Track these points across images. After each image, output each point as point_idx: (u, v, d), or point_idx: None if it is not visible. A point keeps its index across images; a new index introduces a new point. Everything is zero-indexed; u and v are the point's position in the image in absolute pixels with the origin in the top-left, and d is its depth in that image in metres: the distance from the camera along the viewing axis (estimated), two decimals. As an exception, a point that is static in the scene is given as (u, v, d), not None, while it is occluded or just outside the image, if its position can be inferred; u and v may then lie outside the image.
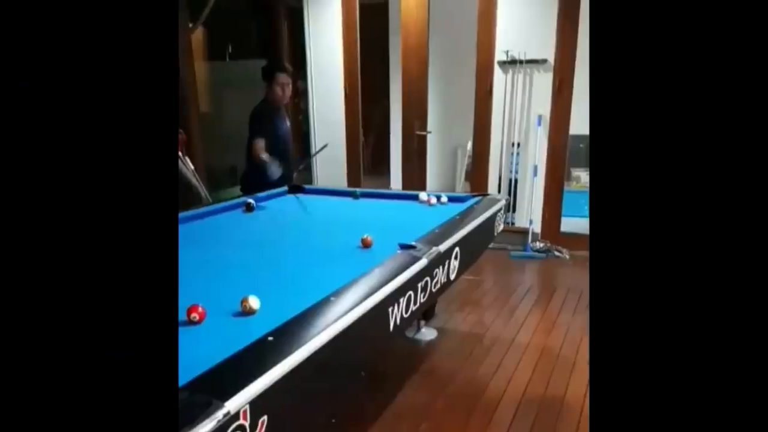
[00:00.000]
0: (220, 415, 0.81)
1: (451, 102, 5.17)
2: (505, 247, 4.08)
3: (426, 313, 2.66)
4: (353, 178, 4.67)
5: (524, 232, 4.12)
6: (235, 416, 0.85)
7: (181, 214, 2.24)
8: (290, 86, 3.12)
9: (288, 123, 3.23)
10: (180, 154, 3.59)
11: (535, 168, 4.06)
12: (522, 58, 3.90)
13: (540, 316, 2.95)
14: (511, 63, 3.95)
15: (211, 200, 3.57)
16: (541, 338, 2.67)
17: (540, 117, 3.97)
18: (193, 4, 4.51)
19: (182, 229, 2.08)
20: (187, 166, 3.63)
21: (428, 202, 2.56)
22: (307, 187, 3.07)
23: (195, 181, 3.64)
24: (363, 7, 4.45)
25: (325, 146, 3.34)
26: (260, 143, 3.01)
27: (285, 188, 2.94)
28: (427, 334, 2.68)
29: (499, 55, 3.97)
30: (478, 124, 4.17)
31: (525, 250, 4.06)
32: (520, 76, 3.98)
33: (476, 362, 2.43)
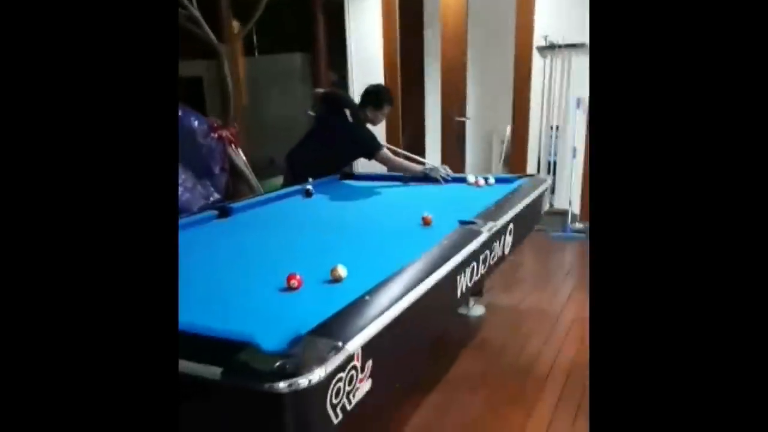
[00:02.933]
0: (343, 355, 0.98)
1: (486, 88, 5.26)
2: (545, 228, 4.17)
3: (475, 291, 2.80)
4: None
5: (564, 214, 4.20)
6: (352, 357, 1.01)
7: (251, 201, 2.44)
8: None
9: None
10: (232, 146, 3.79)
11: (574, 150, 4.14)
12: (560, 42, 3.97)
13: (583, 294, 3.06)
14: (550, 48, 4.02)
15: (262, 190, 3.76)
16: (586, 313, 2.78)
17: (579, 100, 4.03)
18: (238, 7, 4.70)
19: (256, 213, 2.28)
20: (239, 157, 3.83)
21: (476, 184, 2.69)
22: (356, 173, 3.25)
23: (247, 171, 3.84)
24: (399, -4, 4.56)
25: None
26: (387, 151, 3.05)
27: (337, 175, 3.11)
28: (476, 310, 2.82)
29: (537, 41, 4.05)
30: (517, 108, 4.26)
31: (565, 230, 4.15)
32: (559, 60, 4.05)
33: (525, 336, 2.57)
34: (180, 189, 3.24)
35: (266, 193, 3.09)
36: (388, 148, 3.11)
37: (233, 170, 3.75)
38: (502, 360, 2.36)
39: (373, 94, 3.12)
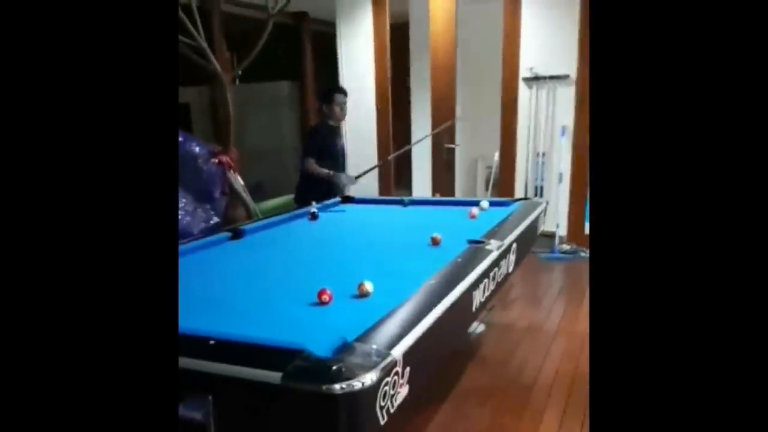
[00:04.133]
0: (390, 361, 1.06)
1: (471, 116, 5.45)
2: (533, 249, 4.32)
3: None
4: (385, 189, 4.94)
5: (551, 236, 4.36)
6: (395, 363, 1.10)
7: (261, 223, 2.51)
8: (346, 105, 3.46)
9: (343, 140, 3.56)
10: (231, 171, 3.86)
11: (560, 175, 4.32)
12: (545, 74, 4.19)
13: (576, 311, 3.18)
14: (535, 79, 4.23)
15: (260, 215, 3.82)
16: (584, 327, 2.90)
17: (564, 128, 4.24)
18: (230, 39, 4.84)
19: (267, 235, 2.35)
20: (238, 181, 3.89)
21: (470, 214, 2.62)
22: (356, 197, 3.35)
23: (245, 195, 3.90)
24: (388, 28, 4.76)
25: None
26: (311, 161, 3.33)
27: (338, 199, 3.20)
28: (476, 327, 2.92)
29: (523, 72, 4.26)
30: (504, 135, 4.44)
31: (553, 252, 4.30)
32: (544, 91, 4.26)
33: (525, 350, 2.67)
34: (181, 213, 3.29)
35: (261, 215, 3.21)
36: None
37: (231, 194, 3.81)
38: (505, 374, 2.44)
39: (321, 95, 3.58)
